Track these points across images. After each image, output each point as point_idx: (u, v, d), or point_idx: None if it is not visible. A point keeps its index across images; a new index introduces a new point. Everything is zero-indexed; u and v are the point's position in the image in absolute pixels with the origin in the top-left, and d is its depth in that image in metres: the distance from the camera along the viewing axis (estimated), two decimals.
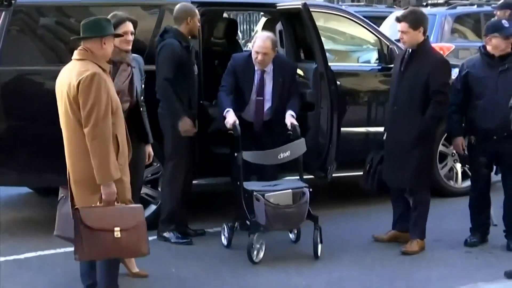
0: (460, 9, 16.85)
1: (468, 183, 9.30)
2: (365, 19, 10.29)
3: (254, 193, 7.18)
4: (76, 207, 5.73)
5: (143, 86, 7.01)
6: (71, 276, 6.40)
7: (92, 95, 5.59)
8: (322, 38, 8.76)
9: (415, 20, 7.58)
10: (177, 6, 8.10)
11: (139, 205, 6.03)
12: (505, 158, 7.78)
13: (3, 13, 8.21)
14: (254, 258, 7.20)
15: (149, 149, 7.01)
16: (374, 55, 10.13)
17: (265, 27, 10.49)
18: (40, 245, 7.39)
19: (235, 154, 7.47)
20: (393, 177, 7.73)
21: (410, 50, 7.65)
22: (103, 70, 5.78)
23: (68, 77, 5.70)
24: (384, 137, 7.88)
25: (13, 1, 8.17)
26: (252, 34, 11.34)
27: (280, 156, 7.47)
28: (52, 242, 7.09)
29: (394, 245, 7.84)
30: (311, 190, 7.33)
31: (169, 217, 7.96)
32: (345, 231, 8.29)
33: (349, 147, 8.71)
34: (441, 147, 9.66)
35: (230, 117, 7.58)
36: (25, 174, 8.36)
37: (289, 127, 7.70)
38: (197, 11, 8.17)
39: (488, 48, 7.71)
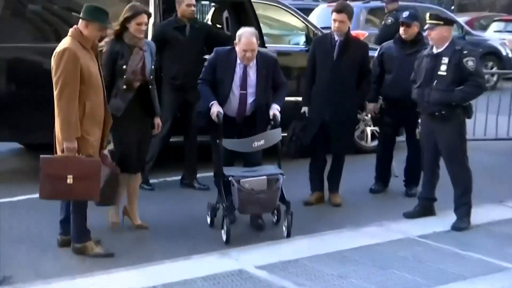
0: (372, 3, 17.17)
1: (375, 143, 9.45)
2: (296, 10, 10.41)
3: (230, 178, 6.43)
4: (41, 155, 5.83)
5: (153, 66, 6.73)
6: (56, 214, 6.31)
7: (61, 65, 5.62)
8: (261, 24, 8.78)
9: (352, 12, 7.52)
10: None
11: (97, 158, 5.82)
12: (410, 123, 7.88)
13: None
14: (225, 239, 6.41)
15: (157, 120, 6.78)
16: (302, 39, 10.21)
17: (214, 15, 10.45)
18: (29, 189, 7.28)
19: (217, 141, 6.72)
20: (337, 144, 7.57)
21: (338, 40, 7.43)
22: (83, 47, 5.74)
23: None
24: (307, 111, 7.57)
25: None
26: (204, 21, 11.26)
27: (254, 145, 6.62)
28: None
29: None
30: (284, 176, 6.57)
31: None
32: None
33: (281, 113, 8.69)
34: None
35: (215, 108, 6.63)
36: (17, 131, 8.33)
37: (271, 117, 6.74)
38: None
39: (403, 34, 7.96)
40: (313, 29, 10.02)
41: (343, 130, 7.54)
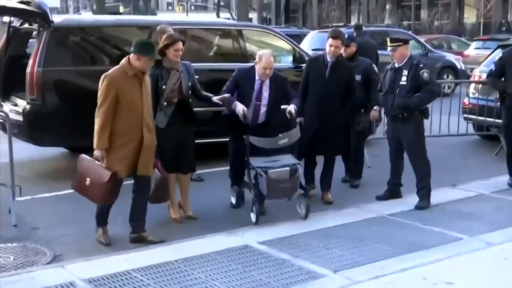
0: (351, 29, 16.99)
1: None
2: (285, 35, 10.44)
3: (258, 170, 6.19)
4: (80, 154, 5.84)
5: (190, 84, 6.38)
6: (81, 209, 6.25)
7: (101, 88, 5.52)
8: (257, 47, 8.75)
9: (344, 39, 7.20)
10: None
11: (107, 171, 5.53)
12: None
13: (45, 32, 8.06)
14: (254, 220, 6.26)
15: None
16: (290, 58, 10.20)
17: None
18: (57, 187, 7.03)
19: (243, 136, 6.38)
20: (326, 148, 7.20)
21: (330, 61, 7.08)
22: (126, 74, 5.55)
23: None
24: (303, 121, 7.10)
25: (52, 24, 8.03)
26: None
27: (280, 142, 6.41)
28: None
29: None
30: (301, 166, 6.44)
31: None
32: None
33: None
34: None
35: (239, 107, 6.38)
36: (62, 137, 8.27)
37: (287, 114, 6.49)
38: None
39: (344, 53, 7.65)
40: (298, 51, 10.05)
41: (330, 136, 7.15)
